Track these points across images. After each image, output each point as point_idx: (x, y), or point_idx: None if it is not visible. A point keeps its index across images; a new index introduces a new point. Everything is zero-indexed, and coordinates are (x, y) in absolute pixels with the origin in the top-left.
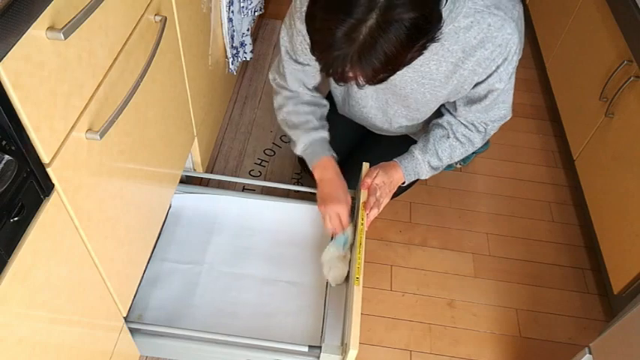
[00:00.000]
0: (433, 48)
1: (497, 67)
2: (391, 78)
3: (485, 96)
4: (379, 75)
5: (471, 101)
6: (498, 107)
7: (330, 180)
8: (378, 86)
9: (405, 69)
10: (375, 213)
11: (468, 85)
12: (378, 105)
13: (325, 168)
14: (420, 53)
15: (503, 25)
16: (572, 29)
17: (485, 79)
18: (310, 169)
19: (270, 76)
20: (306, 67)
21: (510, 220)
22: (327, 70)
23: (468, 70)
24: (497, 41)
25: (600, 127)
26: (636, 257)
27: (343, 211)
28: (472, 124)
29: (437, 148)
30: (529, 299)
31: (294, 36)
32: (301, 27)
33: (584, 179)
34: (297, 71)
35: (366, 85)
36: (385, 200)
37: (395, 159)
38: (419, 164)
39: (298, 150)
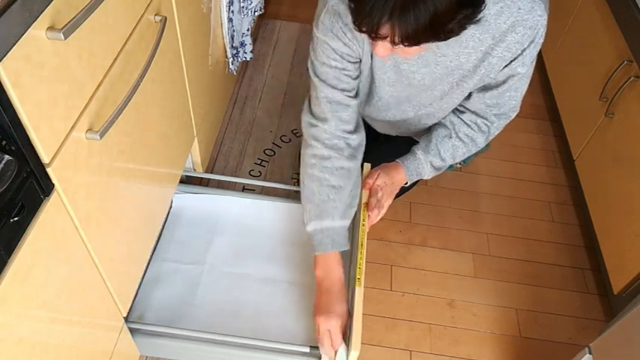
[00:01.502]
0: (463, 41)
1: (524, 50)
2: (420, 78)
3: (504, 81)
4: (418, 36)
5: (487, 87)
6: (510, 95)
7: (328, 289)
8: (402, 93)
9: (434, 66)
10: (376, 214)
11: (494, 73)
12: (397, 113)
13: (324, 268)
14: (460, 29)
15: (533, 7)
16: (572, 29)
17: (509, 63)
18: (313, 254)
19: (304, 120)
20: (341, 92)
21: (510, 220)
22: (362, 19)
23: (497, 58)
24: (528, 24)
25: (600, 127)
26: (636, 257)
27: (335, 327)
28: (475, 123)
29: (439, 148)
30: (529, 299)
31: (321, 53)
32: (319, 36)
33: (584, 179)
34: (333, 100)
35: (388, 91)
36: (387, 202)
37: (397, 159)
38: (421, 165)
39: (306, 228)
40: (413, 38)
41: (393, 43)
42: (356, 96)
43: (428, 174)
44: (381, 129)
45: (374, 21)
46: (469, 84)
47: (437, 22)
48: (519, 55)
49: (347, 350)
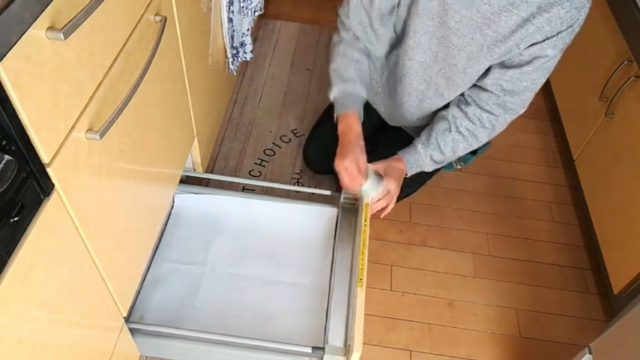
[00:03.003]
0: None
1: (559, 32)
2: (458, 19)
3: (529, 62)
4: None
5: (510, 65)
6: (526, 87)
7: (347, 141)
8: (436, 34)
9: (476, 12)
10: (383, 201)
11: (524, 45)
12: (425, 59)
13: (345, 124)
14: None
15: None
16: None
17: (541, 41)
18: (335, 117)
19: (338, 13)
20: (373, 4)
21: (510, 220)
22: None
23: (534, 27)
24: (575, 3)
25: (600, 127)
26: (636, 257)
27: (349, 165)
28: (479, 118)
29: (439, 142)
30: (529, 299)
31: None
32: None
33: (584, 179)
34: (362, 10)
35: (424, 25)
36: (396, 192)
37: (398, 152)
38: (421, 158)
39: (331, 96)
40: None
41: None
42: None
43: (428, 167)
44: (388, 107)
45: None
46: (500, 49)
47: None
48: (554, 35)
49: (376, 182)
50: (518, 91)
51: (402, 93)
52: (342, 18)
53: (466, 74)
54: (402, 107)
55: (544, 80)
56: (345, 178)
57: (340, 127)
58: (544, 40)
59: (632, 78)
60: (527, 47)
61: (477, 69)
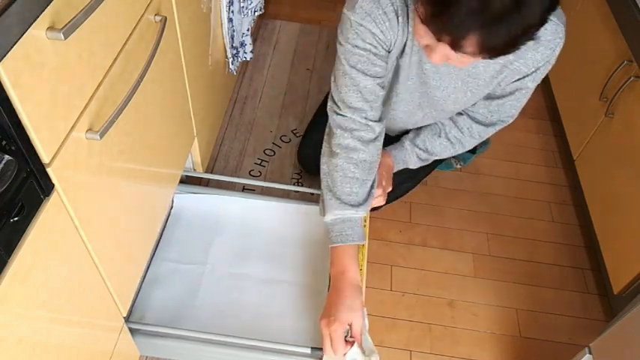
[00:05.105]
0: None
1: (538, 69)
2: (438, 78)
3: (511, 93)
4: (503, 48)
5: (494, 97)
6: (512, 104)
7: (339, 289)
8: (418, 89)
9: (452, 68)
10: (380, 198)
11: (505, 84)
12: (408, 109)
13: (340, 266)
14: (518, 48)
15: (557, 30)
16: (572, 29)
17: (521, 78)
18: (329, 245)
19: (329, 108)
20: (372, 79)
21: (510, 220)
22: (444, 30)
23: (512, 70)
24: (550, 45)
25: (600, 127)
26: (636, 257)
27: (335, 333)
28: (469, 129)
29: (427, 144)
30: (529, 299)
31: (355, 36)
32: (356, 19)
33: (584, 179)
34: (364, 88)
35: (409, 87)
36: (388, 187)
37: (386, 148)
38: (408, 155)
39: (325, 219)
40: (496, 51)
41: (474, 54)
42: (384, 87)
43: (414, 164)
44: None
45: (460, 34)
46: (484, 92)
47: (526, 32)
48: (533, 72)
49: (362, 355)
50: (505, 110)
51: (388, 124)
52: (343, 115)
53: (453, 113)
54: (389, 129)
55: (529, 97)
56: (326, 345)
57: (334, 269)
58: (524, 77)
59: (632, 78)
60: (509, 84)
61: (463, 108)
